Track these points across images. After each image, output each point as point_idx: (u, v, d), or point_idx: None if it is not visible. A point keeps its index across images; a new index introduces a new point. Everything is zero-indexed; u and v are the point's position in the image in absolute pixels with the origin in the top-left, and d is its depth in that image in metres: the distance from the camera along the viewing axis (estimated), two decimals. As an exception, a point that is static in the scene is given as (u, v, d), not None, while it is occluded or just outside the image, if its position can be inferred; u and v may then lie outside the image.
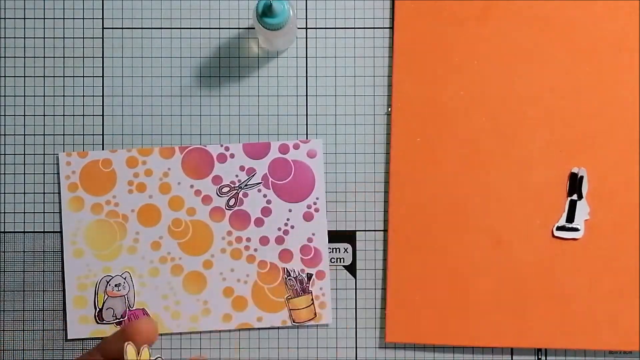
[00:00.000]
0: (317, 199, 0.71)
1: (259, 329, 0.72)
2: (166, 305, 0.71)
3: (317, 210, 0.71)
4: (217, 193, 0.71)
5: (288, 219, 0.71)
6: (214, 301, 0.71)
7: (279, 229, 0.71)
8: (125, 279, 0.71)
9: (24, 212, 0.71)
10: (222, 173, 0.71)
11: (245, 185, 0.71)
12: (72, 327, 0.71)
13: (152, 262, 0.71)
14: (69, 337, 0.71)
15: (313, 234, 0.71)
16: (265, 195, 0.71)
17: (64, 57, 0.72)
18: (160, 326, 0.71)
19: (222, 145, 0.71)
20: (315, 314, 0.71)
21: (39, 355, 0.71)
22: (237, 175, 0.71)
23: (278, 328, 0.72)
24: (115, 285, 0.71)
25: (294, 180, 0.71)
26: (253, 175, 0.71)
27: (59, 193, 0.71)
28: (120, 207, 0.71)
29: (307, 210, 0.71)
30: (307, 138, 0.72)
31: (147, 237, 0.71)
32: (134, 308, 0.71)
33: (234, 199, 0.71)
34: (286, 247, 0.71)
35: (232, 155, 0.71)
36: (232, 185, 0.71)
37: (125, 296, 0.71)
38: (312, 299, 0.71)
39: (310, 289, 0.71)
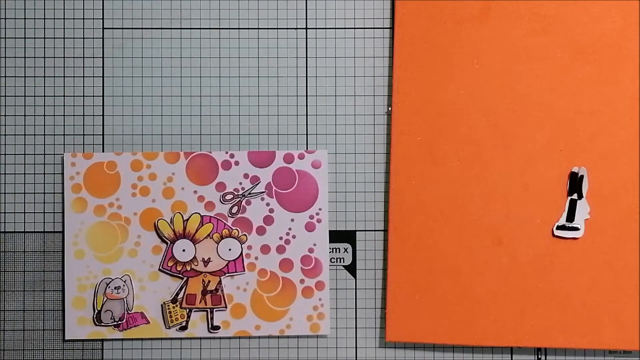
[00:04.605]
0: (319, 209, 0.71)
1: (258, 337, 0.72)
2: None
3: (319, 221, 0.71)
4: (220, 200, 0.71)
5: (290, 229, 0.71)
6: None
7: (281, 238, 0.71)
8: (125, 282, 0.71)
9: (24, 212, 0.71)
10: (226, 180, 0.71)
11: (249, 193, 0.71)
12: (70, 327, 0.71)
13: (152, 266, 0.71)
14: (66, 338, 0.71)
15: (314, 245, 0.71)
16: (268, 204, 0.71)
17: (64, 57, 0.72)
18: (158, 331, 0.71)
19: (227, 152, 0.71)
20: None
21: (38, 355, 0.71)
22: (241, 183, 0.71)
23: (278, 337, 0.72)
24: (115, 288, 0.70)
25: (297, 190, 0.71)
26: (257, 184, 0.71)
27: (61, 193, 0.71)
28: (123, 210, 0.71)
29: (309, 220, 0.71)
30: (306, 138, 0.72)
31: (148, 241, 0.71)
32: (132, 311, 0.71)
33: (236, 206, 0.71)
34: (287, 256, 0.71)
35: (236, 163, 0.71)
36: (236, 193, 0.71)
37: (124, 299, 0.71)
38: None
39: None
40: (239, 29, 0.72)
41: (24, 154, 0.71)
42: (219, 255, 0.71)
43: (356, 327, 0.72)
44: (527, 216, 0.70)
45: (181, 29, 0.72)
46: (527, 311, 0.70)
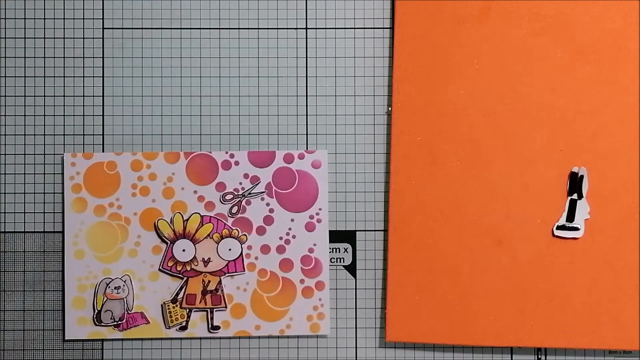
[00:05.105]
0: (319, 209, 0.71)
1: (258, 337, 0.72)
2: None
3: (319, 221, 0.71)
4: (220, 200, 0.71)
5: (290, 229, 0.71)
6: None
7: (281, 238, 0.71)
8: (125, 282, 0.71)
9: (24, 212, 0.71)
10: (226, 180, 0.71)
11: (249, 193, 0.71)
12: (70, 327, 0.71)
13: (152, 266, 0.71)
14: (66, 338, 0.71)
15: (314, 245, 0.71)
16: (268, 204, 0.71)
17: (64, 57, 0.72)
18: (158, 331, 0.71)
19: (227, 152, 0.71)
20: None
21: (38, 355, 0.71)
22: (241, 183, 0.71)
23: (278, 337, 0.72)
24: (115, 288, 0.70)
25: (297, 190, 0.71)
26: (257, 184, 0.71)
27: (61, 193, 0.71)
28: (123, 210, 0.71)
29: (309, 220, 0.71)
30: (306, 138, 0.72)
31: (148, 241, 0.71)
32: (132, 311, 0.71)
33: (236, 206, 0.71)
34: (287, 256, 0.71)
35: (236, 163, 0.71)
36: (236, 193, 0.71)
37: (124, 299, 0.71)
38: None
39: None
40: (239, 29, 0.72)
41: (24, 154, 0.71)
42: (219, 255, 0.71)
43: (356, 327, 0.72)
44: (527, 216, 0.70)
45: (181, 29, 0.72)
46: (527, 311, 0.70)
